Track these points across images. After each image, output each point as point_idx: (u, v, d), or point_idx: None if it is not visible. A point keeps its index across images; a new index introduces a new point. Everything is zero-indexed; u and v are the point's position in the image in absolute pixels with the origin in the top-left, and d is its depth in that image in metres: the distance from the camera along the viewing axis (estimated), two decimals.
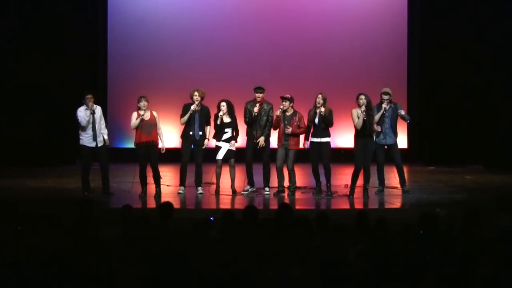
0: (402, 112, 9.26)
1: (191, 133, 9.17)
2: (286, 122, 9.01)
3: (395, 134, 9.28)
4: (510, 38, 12.63)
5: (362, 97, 8.68)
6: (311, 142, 9.13)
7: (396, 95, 9.42)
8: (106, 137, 9.17)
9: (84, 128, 8.99)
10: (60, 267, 3.89)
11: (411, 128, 13.88)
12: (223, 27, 14.15)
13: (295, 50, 14.15)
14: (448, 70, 13.47)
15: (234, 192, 9.21)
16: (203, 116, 9.18)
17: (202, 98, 9.19)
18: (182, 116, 9.20)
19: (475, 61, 13.01)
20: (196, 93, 9.15)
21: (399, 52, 14.33)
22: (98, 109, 9.13)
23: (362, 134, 8.68)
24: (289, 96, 9.07)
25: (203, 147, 9.17)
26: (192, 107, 9.05)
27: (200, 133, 9.18)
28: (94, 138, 8.98)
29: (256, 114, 9.11)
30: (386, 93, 9.21)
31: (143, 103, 8.89)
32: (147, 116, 8.94)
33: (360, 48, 14.16)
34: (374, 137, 9.06)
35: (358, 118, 8.62)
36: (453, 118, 13.37)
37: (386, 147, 9.30)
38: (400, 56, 14.34)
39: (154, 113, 9.03)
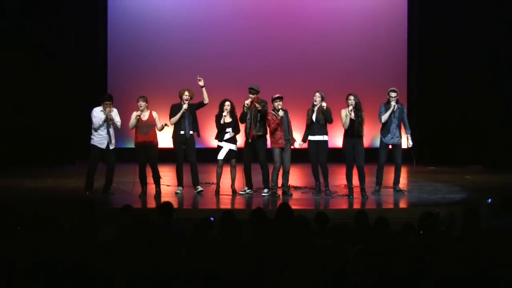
0: (410, 142, 9.42)
1: (182, 132, 9.17)
2: (287, 121, 9.05)
3: (400, 134, 9.32)
4: (510, 39, 12.63)
5: (351, 97, 8.73)
6: (309, 141, 9.14)
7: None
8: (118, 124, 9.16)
9: (96, 129, 9.01)
10: (59, 267, 3.89)
11: (411, 128, 13.88)
12: (223, 28, 14.17)
13: (295, 50, 14.17)
14: (448, 70, 13.49)
15: (234, 192, 9.20)
16: (192, 115, 9.19)
17: (191, 98, 9.20)
18: (171, 116, 9.20)
19: (475, 62, 13.02)
20: (186, 92, 9.16)
21: (399, 53, 14.35)
22: (114, 112, 9.14)
23: (350, 134, 8.71)
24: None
25: (185, 106, 9.09)
26: (184, 107, 9.07)
27: (191, 132, 9.18)
28: (106, 140, 9.01)
29: (246, 109, 9.07)
30: (394, 91, 9.25)
31: (139, 103, 8.92)
32: (145, 116, 8.95)
33: (360, 49, 14.18)
34: (383, 137, 9.13)
35: (346, 117, 8.66)
36: (453, 119, 13.37)
37: (390, 146, 9.33)
38: (400, 57, 14.36)
39: (154, 113, 9.03)
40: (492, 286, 3.75)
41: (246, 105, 9.03)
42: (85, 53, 13.62)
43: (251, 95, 9.05)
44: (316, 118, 8.99)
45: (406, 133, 9.49)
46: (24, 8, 12.72)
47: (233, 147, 9.19)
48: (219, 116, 9.12)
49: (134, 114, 8.95)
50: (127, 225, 5.40)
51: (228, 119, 9.12)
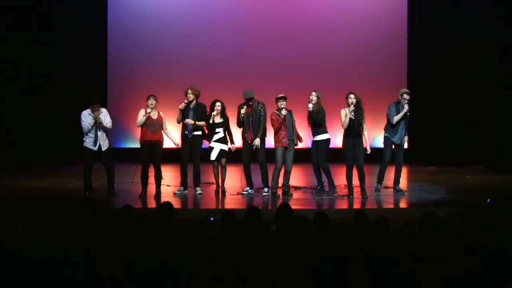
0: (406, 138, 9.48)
1: (186, 132, 9.17)
2: (291, 121, 9.05)
3: (405, 135, 9.36)
4: (510, 38, 12.63)
5: (352, 96, 8.70)
6: (311, 141, 9.18)
7: (396, 95, 9.43)
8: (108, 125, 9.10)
9: (86, 132, 9.02)
10: (59, 267, 3.89)
11: (412, 128, 13.90)
12: (222, 28, 14.17)
13: (294, 50, 14.18)
14: (448, 70, 13.49)
15: (223, 192, 9.18)
16: (198, 115, 9.15)
17: (196, 96, 9.18)
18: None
19: (475, 61, 13.03)
20: (189, 91, 9.14)
21: (399, 53, 14.36)
22: (103, 113, 9.13)
23: (349, 133, 8.70)
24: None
25: (186, 122, 9.07)
26: (180, 106, 9.07)
27: (194, 132, 9.15)
28: (96, 142, 9.01)
29: (243, 116, 9.10)
30: (408, 93, 9.26)
31: (151, 101, 8.89)
32: (154, 115, 8.94)
33: (361, 49, 14.19)
34: (390, 136, 9.16)
35: (346, 117, 8.64)
36: (453, 118, 13.38)
37: (394, 146, 9.33)
38: (400, 57, 14.37)
39: (161, 113, 9.04)
40: (492, 285, 3.75)
41: (242, 114, 9.07)
42: (85, 53, 13.61)
43: (250, 103, 9.09)
44: (308, 118, 9.05)
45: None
46: (23, 8, 12.71)
47: (224, 147, 9.17)
48: (209, 117, 9.12)
49: (142, 112, 8.93)
50: (127, 225, 5.40)
51: (218, 119, 9.12)
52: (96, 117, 8.95)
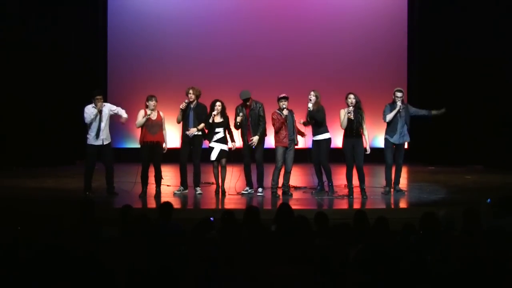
0: (435, 111, 9.53)
1: (186, 132, 9.17)
2: (292, 121, 9.05)
3: (408, 133, 9.34)
4: (510, 38, 12.62)
5: (351, 96, 8.72)
6: (312, 140, 9.18)
7: None
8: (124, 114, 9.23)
9: (89, 125, 9.03)
10: (60, 266, 3.89)
11: (411, 128, 13.87)
12: (222, 28, 14.16)
13: (294, 50, 14.17)
14: (448, 70, 13.48)
15: (224, 192, 9.18)
16: (199, 115, 9.16)
17: (197, 97, 9.19)
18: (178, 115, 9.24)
19: (475, 61, 13.01)
20: (190, 91, 9.15)
21: (399, 52, 14.35)
22: (107, 106, 9.16)
23: (349, 134, 8.71)
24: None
25: (189, 133, 9.11)
26: (181, 106, 9.07)
27: (196, 133, 9.16)
28: (98, 135, 9.01)
29: (240, 122, 9.09)
30: (400, 91, 9.27)
31: (152, 103, 8.89)
32: (154, 115, 8.95)
33: (360, 49, 14.18)
34: (389, 137, 9.13)
35: (344, 117, 8.65)
36: (453, 118, 13.36)
37: (394, 146, 9.31)
38: (400, 56, 14.35)
39: (161, 113, 9.04)
40: (492, 286, 3.75)
41: (238, 122, 9.08)
42: (85, 53, 13.61)
43: (247, 103, 9.10)
44: (307, 118, 9.06)
45: (428, 114, 9.64)
46: (23, 7, 12.71)
47: (224, 147, 9.17)
48: (209, 116, 9.12)
49: (142, 113, 8.94)
50: (127, 225, 5.41)
51: (218, 119, 9.12)
52: (99, 107, 8.96)
